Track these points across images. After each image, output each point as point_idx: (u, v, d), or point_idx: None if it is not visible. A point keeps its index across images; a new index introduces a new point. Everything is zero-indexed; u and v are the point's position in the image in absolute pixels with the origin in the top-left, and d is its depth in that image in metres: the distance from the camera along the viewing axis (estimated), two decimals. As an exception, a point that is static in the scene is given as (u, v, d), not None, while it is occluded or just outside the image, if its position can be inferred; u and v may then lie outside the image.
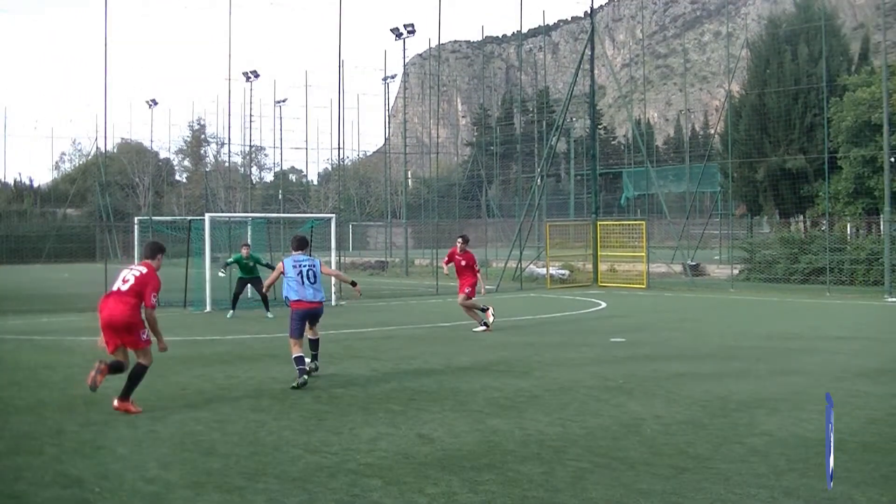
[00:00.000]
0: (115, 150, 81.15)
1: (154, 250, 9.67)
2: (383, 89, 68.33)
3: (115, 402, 9.13)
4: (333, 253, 25.41)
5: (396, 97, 76.77)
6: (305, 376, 10.68)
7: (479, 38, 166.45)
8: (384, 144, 66.77)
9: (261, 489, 6.37)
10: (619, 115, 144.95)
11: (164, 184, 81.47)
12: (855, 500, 6.07)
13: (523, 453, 7.39)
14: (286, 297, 11.41)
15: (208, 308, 22.22)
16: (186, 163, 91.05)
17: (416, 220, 59.27)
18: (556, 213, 58.50)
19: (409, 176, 72.97)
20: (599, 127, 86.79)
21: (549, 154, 40.71)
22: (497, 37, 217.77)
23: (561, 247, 35.39)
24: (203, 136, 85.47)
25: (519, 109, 78.87)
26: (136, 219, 29.00)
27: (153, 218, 30.34)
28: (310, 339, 11.67)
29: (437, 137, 62.75)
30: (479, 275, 17.77)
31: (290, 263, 11.39)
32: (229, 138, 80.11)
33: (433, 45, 65.20)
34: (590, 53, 35.57)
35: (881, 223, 30.36)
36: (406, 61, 60.21)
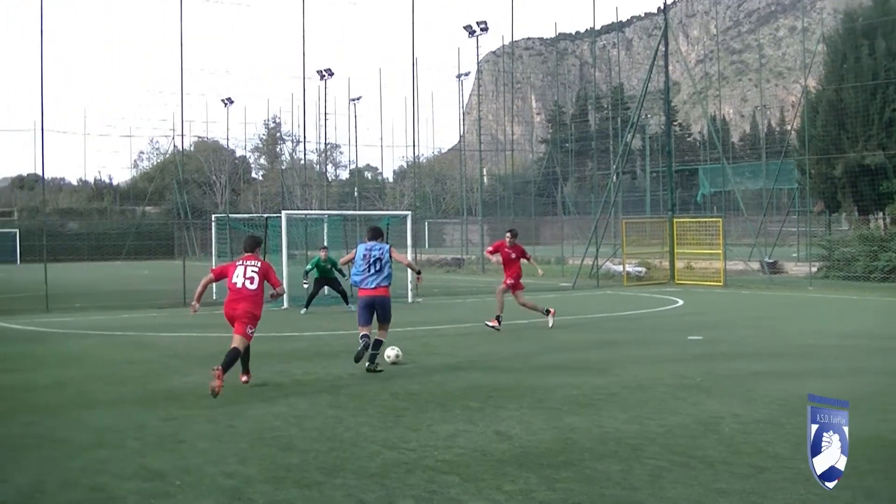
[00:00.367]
0: (191, 149, 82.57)
1: (255, 243, 11.02)
2: (457, 87, 68.13)
3: (243, 378, 10.52)
4: (409, 250, 25.53)
5: (470, 95, 76.67)
6: (365, 351, 11.31)
7: (553, 35, 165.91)
8: (459, 142, 66.71)
9: (339, 485, 6.35)
10: (695, 112, 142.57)
11: (240, 181, 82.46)
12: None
13: (601, 451, 7.27)
14: (353, 282, 11.97)
15: (285, 305, 22.39)
16: (262, 160, 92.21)
17: (492, 217, 59.17)
18: (632, 210, 57.81)
19: (485, 173, 72.88)
20: (674, 123, 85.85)
21: (625, 151, 40.38)
22: (570, 34, 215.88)
23: (637, 244, 34.97)
24: (278, 134, 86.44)
25: (593, 106, 78.31)
26: (213, 216, 29.48)
27: (230, 215, 30.74)
28: (374, 339, 11.68)
29: (512, 135, 62.39)
30: (531, 260, 17.77)
31: (361, 250, 11.87)
32: (304, 136, 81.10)
33: (506, 43, 65.06)
34: (664, 49, 35.06)
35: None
36: (479, 59, 60.28)
